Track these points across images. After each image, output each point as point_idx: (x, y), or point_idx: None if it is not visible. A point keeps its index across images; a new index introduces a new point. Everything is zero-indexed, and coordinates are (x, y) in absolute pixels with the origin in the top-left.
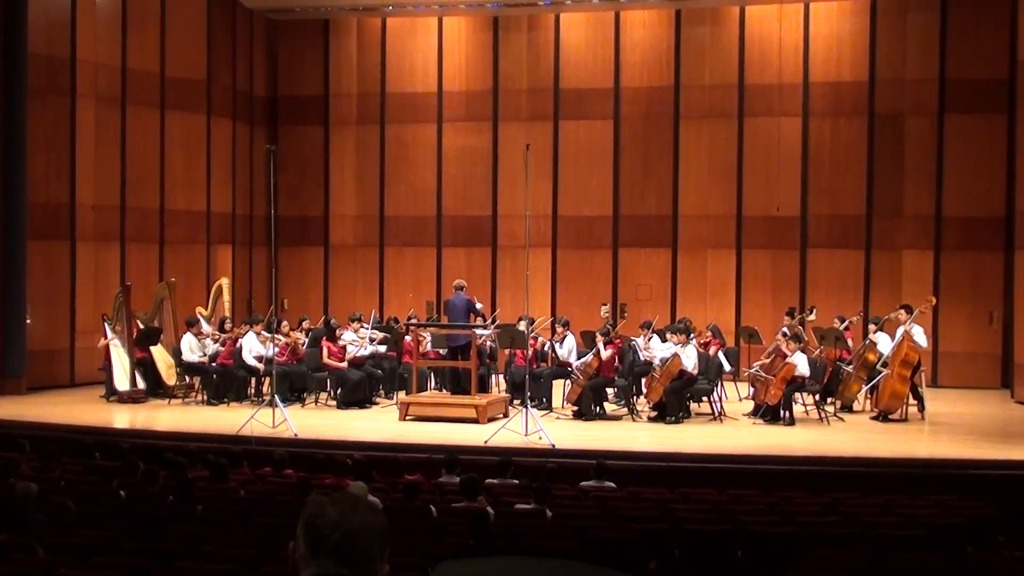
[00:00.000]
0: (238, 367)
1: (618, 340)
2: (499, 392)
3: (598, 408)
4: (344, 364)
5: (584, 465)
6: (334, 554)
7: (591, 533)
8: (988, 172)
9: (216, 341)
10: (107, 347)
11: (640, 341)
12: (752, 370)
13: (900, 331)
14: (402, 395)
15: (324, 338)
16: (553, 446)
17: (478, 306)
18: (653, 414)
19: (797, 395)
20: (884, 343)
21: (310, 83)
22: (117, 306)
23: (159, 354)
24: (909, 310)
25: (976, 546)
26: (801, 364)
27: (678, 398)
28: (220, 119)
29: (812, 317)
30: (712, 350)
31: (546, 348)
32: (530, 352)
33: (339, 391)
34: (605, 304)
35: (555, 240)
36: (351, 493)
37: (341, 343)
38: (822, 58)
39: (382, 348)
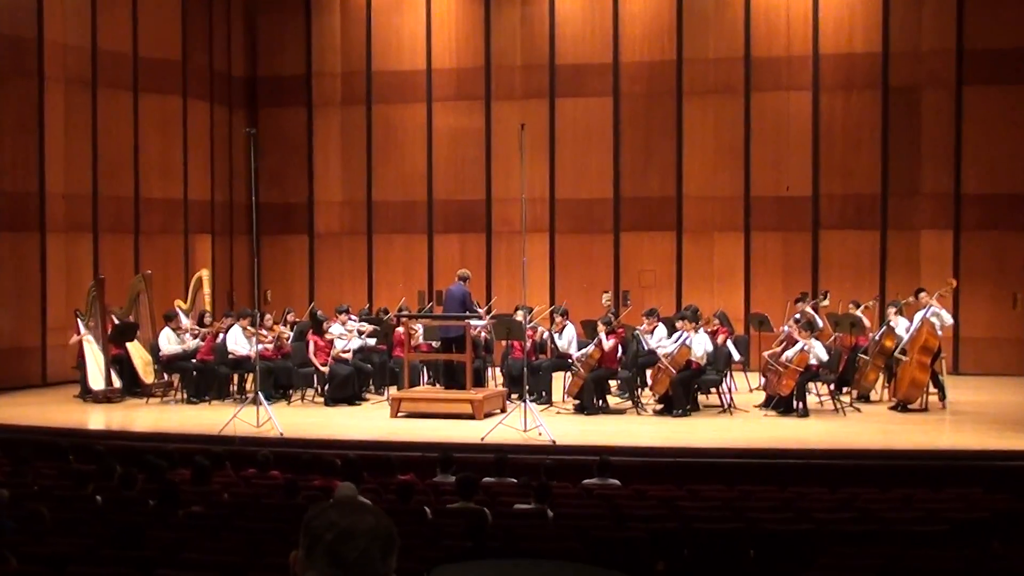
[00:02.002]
0: (219, 363)
1: (621, 329)
2: (496, 386)
3: (600, 401)
4: (331, 359)
5: (586, 462)
6: (328, 555)
7: (595, 534)
8: (1010, 147)
9: (196, 336)
10: (80, 344)
11: (648, 333)
12: (769, 356)
13: (919, 316)
14: (393, 391)
15: (310, 332)
16: (554, 442)
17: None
18: (659, 407)
19: (811, 385)
20: (902, 328)
21: (291, 62)
22: (90, 300)
23: (136, 350)
24: (927, 294)
25: (1002, 541)
26: (815, 352)
27: (685, 390)
28: (197, 101)
29: (826, 302)
30: (720, 339)
31: (545, 339)
32: (528, 343)
33: (326, 387)
34: (606, 292)
35: (553, 225)
36: (351, 498)
37: (328, 337)
38: (833, 28)
39: (371, 341)
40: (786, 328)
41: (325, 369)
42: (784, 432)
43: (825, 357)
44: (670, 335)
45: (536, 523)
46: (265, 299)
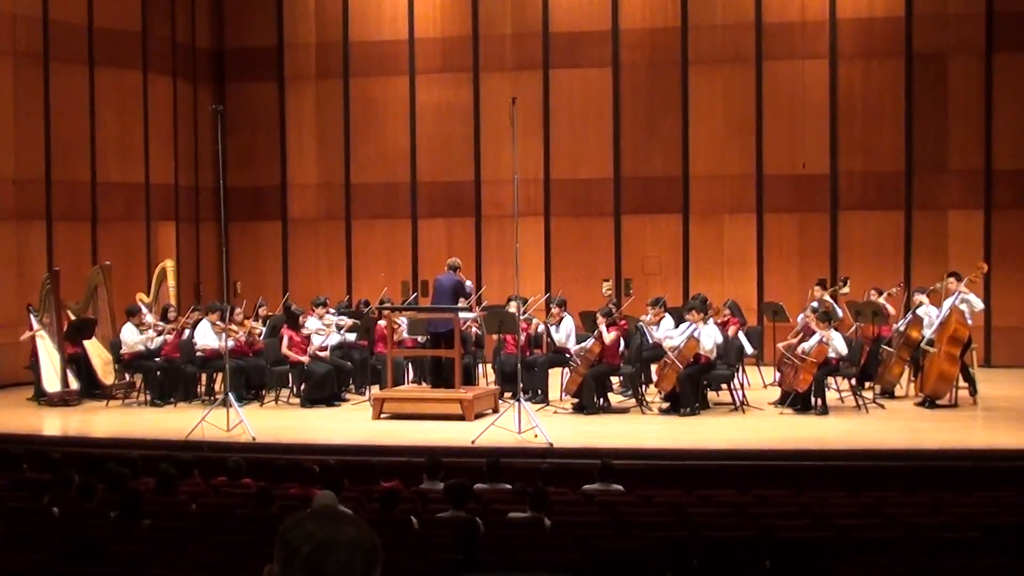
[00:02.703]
0: (186, 361)
1: (623, 321)
2: (487, 384)
3: (601, 400)
4: (308, 356)
5: (587, 466)
6: (306, 569)
7: (596, 544)
8: None
9: (160, 333)
10: (33, 342)
11: (653, 325)
12: (785, 349)
13: (947, 303)
14: (375, 390)
15: (284, 326)
16: (551, 445)
17: (468, 286)
18: (665, 405)
19: (830, 380)
20: (930, 317)
21: (261, 32)
22: (44, 294)
23: (94, 349)
24: (958, 278)
25: None
26: (834, 344)
27: (694, 386)
28: (158, 76)
29: (846, 289)
30: (731, 330)
31: (540, 332)
32: (522, 337)
33: (303, 387)
34: (607, 280)
35: (548, 208)
36: (332, 507)
37: (304, 332)
38: None
39: (351, 336)
40: (803, 318)
41: (305, 359)
42: (801, 431)
43: (845, 349)
44: (677, 327)
45: (532, 533)
46: (235, 291)
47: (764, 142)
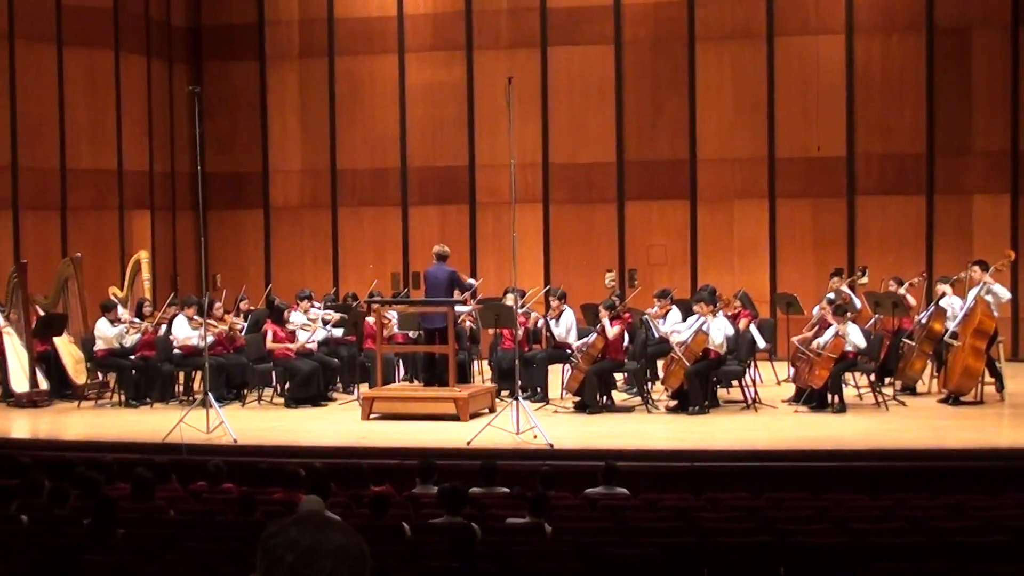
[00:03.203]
0: (163, 359)
1: (627, 314)
2: (483, 382)
3: (605, 398)
4: (292, 352)
5: (589, 468)
6: None
7: (599, 551)
8: None
9: (136, 331)
10: (0, 339)
11: (659, 318)
12: (799, 343)
13: (972, 294)
14: (364, 389)
15: (267, 321)
16: (551, 446)
17: (469, 282)
18: (672, 403)
19: (848, 375)
20: (953, 309)
21: (240, 8)
22: (11, 289)
23: (64, 346)
24: (984, 267)
25: None
26: (852, 337)
27: (702, 383)
28: (131, 56)
29: (864, 279)
30: (742, 323)
31: (539, 326)
32: (520, 332)
33: (287, 385)
34: (610, 271)
35: (547, 194)
36: (318, 513)
37: (288, 327)
38: None
39: (338, 332)
40: (818, 310)
41: (291, 354)
42: (817, 430)
43: (863, 343)
44: (684, 320)
45: (532, 540)
46: (214, 284)
47: (776, 123)
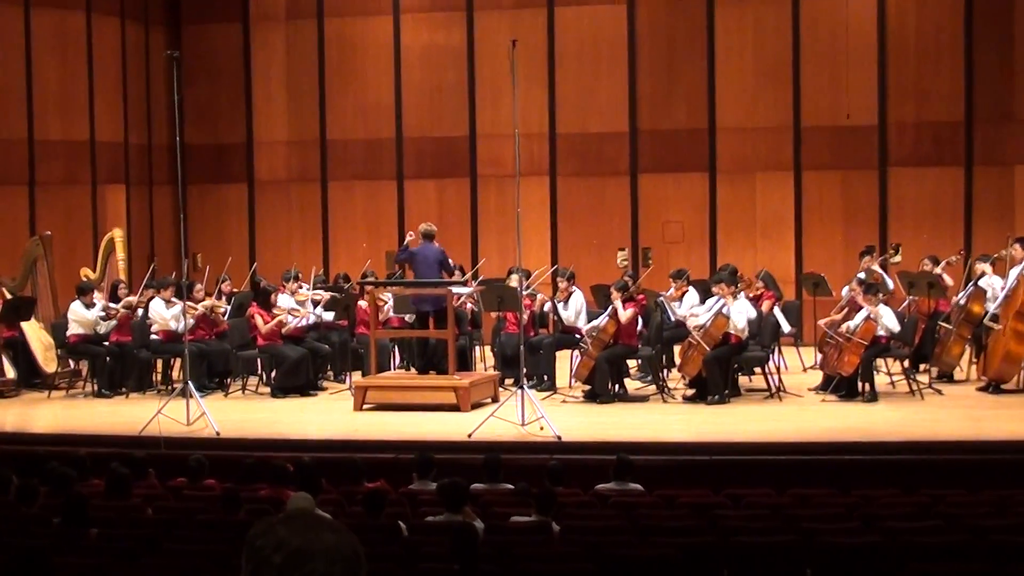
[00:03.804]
0: (139, 345)
1: (641, 296)
2: (485, 369)
3: (617, 387)
4: (279, 338)
5: (600, 462)
6: None
7: (611, 552)
8: None
9: (112, 316)
10: None
11: (675, 300)
12: (827, 326)
13: (1014, 273)
14: (357, 377)
15: (252, 304)
16: (559, 438)
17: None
18: (690, 392)
19: (880, 362)
20: (993, 290)
21: None
22: None
23: (33, 332)
24: (1020, 244)
25: None
26: (884, 321)
27: (722, 370)
28: (104, 17)
29: (897, 258)
30: (766, 305)
31: (546, 309)
32: (525, 315)
33: (273, 374)
34: (623, 249)
35: (553, 166)
36: (307, 511)
37: (275, 311)
38: None
39: (329, 315)
40: (848, 291)
41: (278, 339)
42: (847, 421)
43: (897, 327)
44: (703, 302)
45: (539, 539)
46: (194, 264)
47: (802, 89)
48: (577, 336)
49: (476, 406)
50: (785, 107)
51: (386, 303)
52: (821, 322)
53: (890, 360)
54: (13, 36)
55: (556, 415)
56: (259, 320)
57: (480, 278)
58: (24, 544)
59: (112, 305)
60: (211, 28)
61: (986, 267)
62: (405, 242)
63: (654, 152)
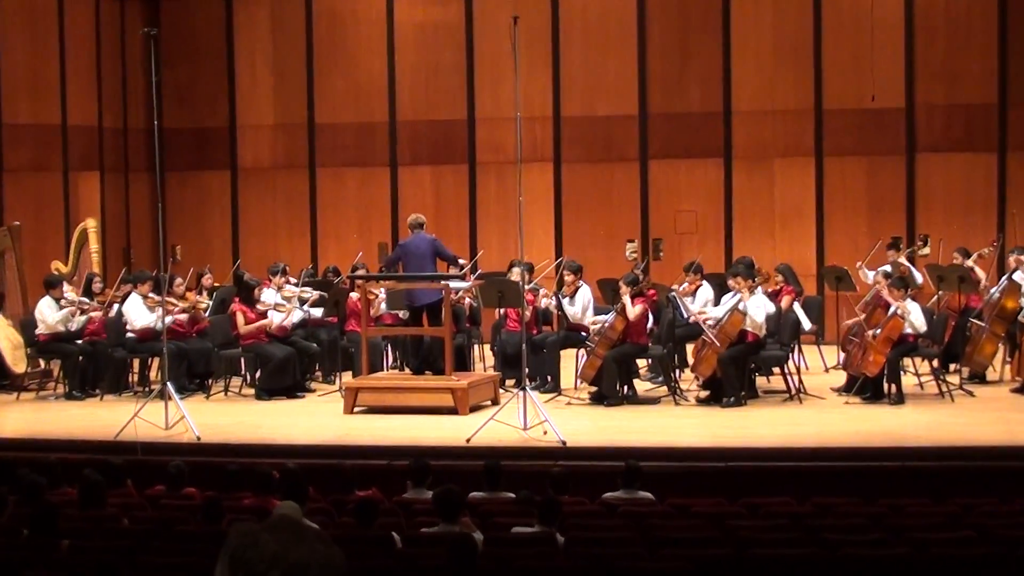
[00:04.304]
0: (114, 344)
1: (651, 291)
2: (484, 369)
3: (626, 388)
4: (271, 324)
5: (608, 469)
6: None
7: (620, 564)
8: None
9: (85, 311)
10: None
11: (688, 295)
12: (851, 324)
13: None
14: (348, 377)
15: (235, 300)
16: (564, 443)
17: (460, 261)
18: (704, 394)
19: (907, 361)
20: None
21: None
22: None
23: (1, 330)
24: None
25: None
26: (911, 318)
27: (738, 370)
28: None
29: (926, 250)
30: (785, 301)
31: (550, 305)
32: (528, 311)
33: (258, 374)
34: (632, 241)
35: (558, 152)
36: (289, 518)
37: (260, 307)
38: None
39: (317, 312)
40: (873, 283)
41: (263, 337)
42: (872, 425)
43: (924, 325)
44: (718, 298)
45: (542, 551)
46: (173, 257)
47: (824, 69)
48: (583, 334)
49: (475, 409)
50: (806, 88)
51: (377, 296)
52: (848, 322)
53: (918, 360)
54: None
55: (560, 418)
56: (240, 318)
57: (479, 272)
58: None
59: (85, 300)
60: (191, 4)
61: (1021, 259)
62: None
63: (666, 137)
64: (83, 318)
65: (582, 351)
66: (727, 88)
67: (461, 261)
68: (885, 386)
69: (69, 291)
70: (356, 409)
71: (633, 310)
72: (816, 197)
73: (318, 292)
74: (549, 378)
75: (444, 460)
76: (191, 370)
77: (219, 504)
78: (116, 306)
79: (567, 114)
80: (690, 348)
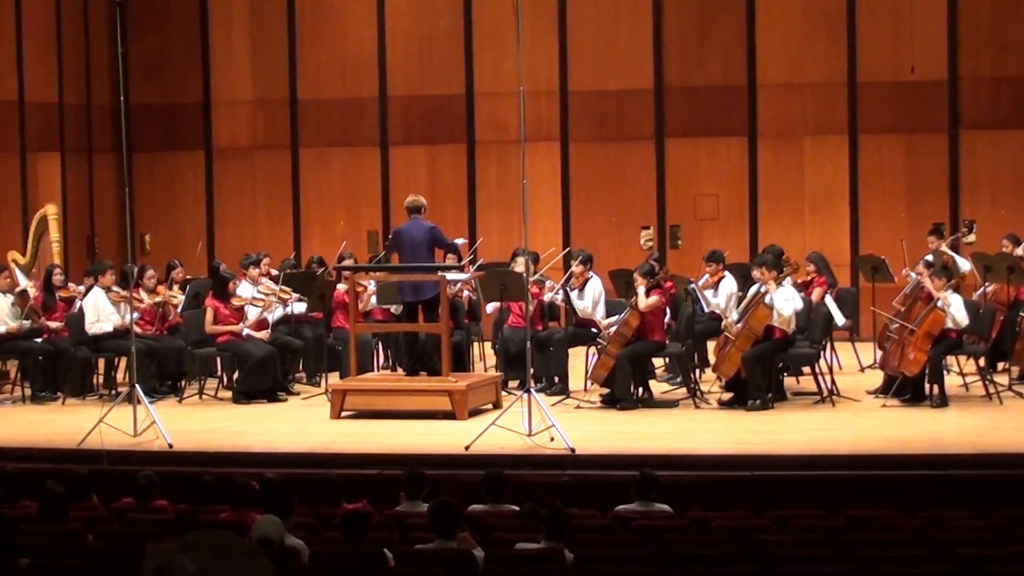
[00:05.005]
0: (77, 343)
1: (669, 283)
2: (485, 370)
3: (640, 390)
4: (242, 332)
5: (621, 479)
6: None
7: None
8: None
9: (29, 307)
10: None
11: (710, 287)
12: (890, 318)
13: None
14: (334, 379)
15: (210, 294)
16: (572, 451)
17: (458, 241)
18: (727, 396)
19: (951, 360)
20: None
21: None
22: None
23: None
24: None
25: None
26: (955, 311)
27: (765, 370)
28: None
29: (971, 238)
30: (816, 293)
31: (557, 299)
32: (532, 306)
33: (236, 375)
34: (647, 228)
35: (565, 130)
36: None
37: (236, 301)
38: None
39: (301, 307)
40: (913, 276)
41: (240, 334)
42: (912, 430)
43: (966, 319)
44: (742, 290)
45: (549, 570)
46: (142, 247)
47: (858, 38)
48: (593, 330)
49: (475, 413)
50: (838, 59)
51: (366, 288)
52: (890, 324)
53: (963, 358)
54: None
55: (569, 423)
56: (210, 314)
57: (479, 262)
58: None
59: (43, 294)
60: None
61: None
62: None
63: (684, 113)
64: (25, 322)
65: (592, 349)
66: (751, 59)
67: (461, 240)
68: (926, 387)
69: (26, 283)
70: (344, 413)
71: (648, 303)
72: (850, 179)
73: (298, 295)
74: (556, 379)
75: (441, 469)
76: (162, 371)
77: (193, 519)
78: (78, 302)
79: (575, 88)
80: (711, 346)
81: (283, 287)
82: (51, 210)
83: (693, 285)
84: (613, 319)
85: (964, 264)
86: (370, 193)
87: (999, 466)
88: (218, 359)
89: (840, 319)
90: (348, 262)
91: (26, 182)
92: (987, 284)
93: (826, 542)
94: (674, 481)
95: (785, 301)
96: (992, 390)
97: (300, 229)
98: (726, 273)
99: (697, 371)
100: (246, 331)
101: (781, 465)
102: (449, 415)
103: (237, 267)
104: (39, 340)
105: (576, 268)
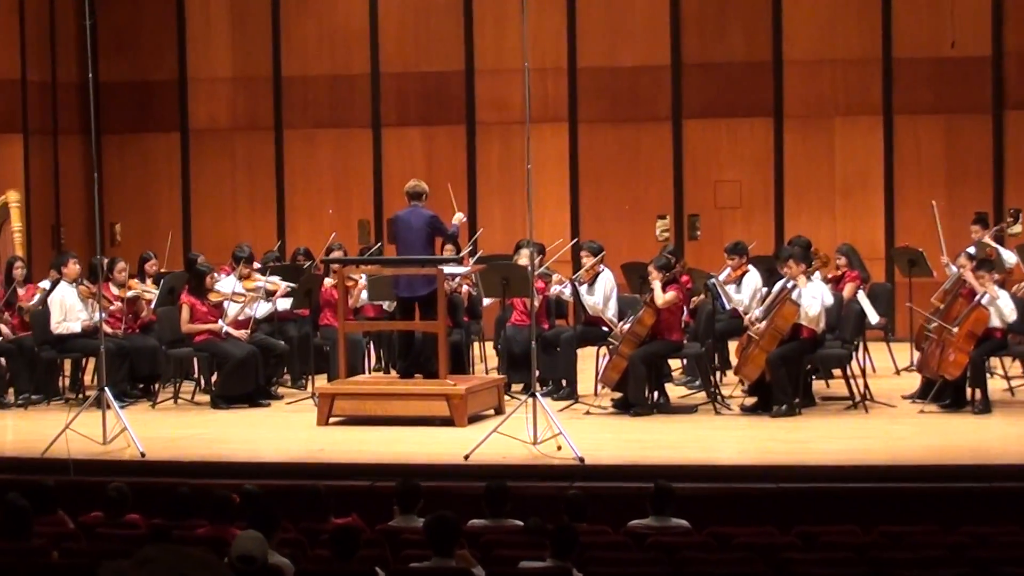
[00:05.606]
0: (41, 342)
1: (686, 277)
2: (486, 372)
3: (656, 394)
4: (221, 331)
5: (634, 491)
6: None
7: None
8: None
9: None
10: None
11: (732, 282)
12: (928, 316)
13: None
14: (322, 381)
15: (186, 289)
16: (581, 461)
17: (454, 228)
18: (751, 401)
19: (995, 362)
20: None
21: None
22: None
23: None
24: None
25: None
26: (999, 308)
27: (791, 373)
28: None
29: (1017, 228)
30: (848, 289)
31: (565, 294)
32: (538, 302)
33: (215, 378)
34: (663, 217)
35: (574, 110)
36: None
37: (214, 297)
38: None
39: (285, 304)
40: (954, 269)
41: (219, 333)
42: (952, 438)
43: (1014, 315)
44: (767, 286)
45: None
46: (112, 237)
47: (893, 10)
48: (604, 329)
49: (475, 419)
50: (872, 33)
51: (357, 283)
52: (929, 322)
53: (1007, 360)
54: None
55: (577, 431)
56: (186, 312)
57: (479, 254)
58: None
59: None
60: None
61: None
62: None
63: (703, 92)
64: None
65: (603, 350)
66: (777, 33)
67: (460, 216)
68: (968, 392)
69: None
70: (332, 420)
71: (665, 299)
72: (884, 164)
73: (287, 284)
74: (563, 382)
75: (437, 481)
76: (134, 373)
77: (168, 533)
78: (39, 296)
79: (585, 64)
80: (733, 346)
81: (270, 280)
82: (12, 197)
83: (713, 280)
84: (628, 317)
85: (1009, 257)
86: (361, 179)
87: None
88: (195, 360)
89: (874, 317)
90: (337, 254)
91: None
92: None
93: (858, 560)
94: (692, 494)
95: (813, 298)
96: None
97: (284, 218)
98: (750, 267)
99: (717, 374)
100: (225, 329)
101: (809, 477)
102: (447, 421)
103: (216, 259)
104: None
105: (585, 261)
